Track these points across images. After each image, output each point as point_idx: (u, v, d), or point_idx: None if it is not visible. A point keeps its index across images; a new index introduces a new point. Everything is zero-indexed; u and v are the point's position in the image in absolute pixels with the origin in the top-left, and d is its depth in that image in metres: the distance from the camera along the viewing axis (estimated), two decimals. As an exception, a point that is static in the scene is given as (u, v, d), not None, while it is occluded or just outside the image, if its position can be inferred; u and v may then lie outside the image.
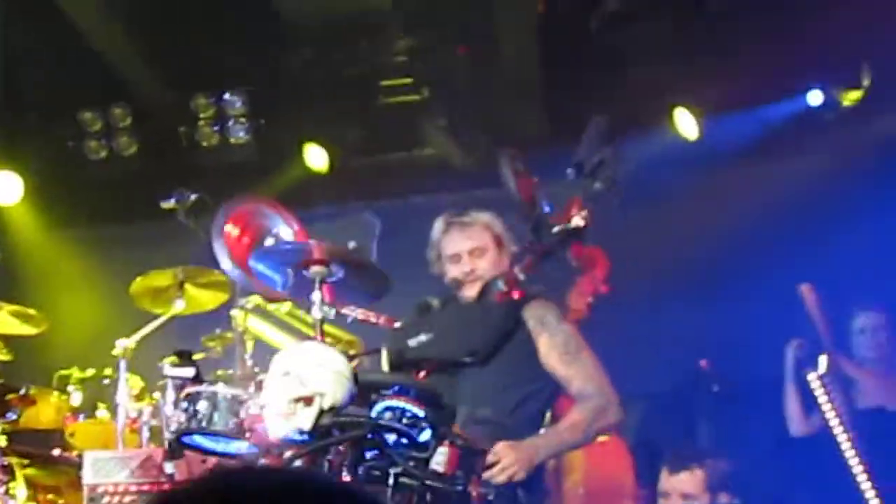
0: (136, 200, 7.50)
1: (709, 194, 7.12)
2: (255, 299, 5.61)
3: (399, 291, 4.26)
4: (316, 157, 7.71)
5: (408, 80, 7.69)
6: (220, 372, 6.26)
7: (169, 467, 4.55)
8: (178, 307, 6.26)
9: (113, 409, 6.05)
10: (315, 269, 4.10)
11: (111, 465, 5.24)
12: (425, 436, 3.60)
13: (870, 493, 5.16)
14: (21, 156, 7.82)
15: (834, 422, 5.30)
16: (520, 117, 7.66)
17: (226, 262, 5.02)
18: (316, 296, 4.08)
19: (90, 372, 6.32)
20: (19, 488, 5.77)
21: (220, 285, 6.18)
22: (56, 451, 6.26)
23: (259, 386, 3.97)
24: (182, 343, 6.33)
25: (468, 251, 4.42)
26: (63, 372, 6.41)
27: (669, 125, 7.25)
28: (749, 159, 7.20)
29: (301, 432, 3.60)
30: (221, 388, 4.01)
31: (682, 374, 6.60)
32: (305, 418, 3.59)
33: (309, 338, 4.41)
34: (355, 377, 3.68)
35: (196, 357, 6.28)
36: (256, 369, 5.45)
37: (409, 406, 3.61)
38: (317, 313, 4.10)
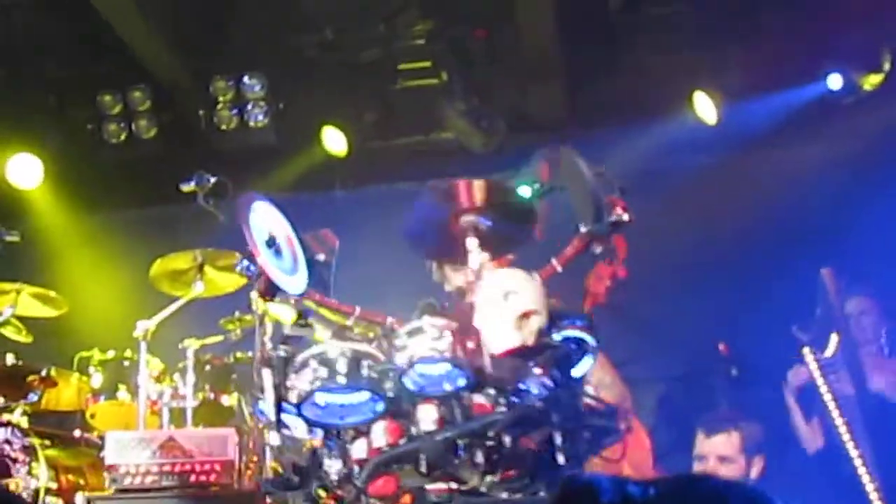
0: (155, 183, 7.53)
1: (728, 179, 7.10)
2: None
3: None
4: (334, 141, 7.72)
5: (426, 64, 7.68)
6: (239, 354, 6.30)
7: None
8: (198, 290, 6.29)
9: (133, 391, 6.08)
10: (467, 218, 4.10)
11: (133, 446, 5.28)
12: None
13: (866, 479, 5.17)
14: (41, 139, 7.85)
15: (832, 408, 5.32)
16: (539, 100, 7.65)
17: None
18: (471, 243, 4.09)
19: (111, 354, 6.34)
20: (41, 469, 5.81)
21: (239, 268, 6.20)
22: (77, 433, 6.31)
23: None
24: (200, 326, 6.40)
25: None
26: (84, 354, 6.44)
27: (689, 109, 7.23)
28: (768, 144, 7.17)
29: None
30: (364, 346, 4.00)
31: (702, 358, 6.59)
32: (530, 333, 3.90)
33: (331, 323, 4.41)
34: None
35: (215, 339, 6.39)
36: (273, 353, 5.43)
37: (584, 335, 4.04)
38: (474, 262, 4.09)
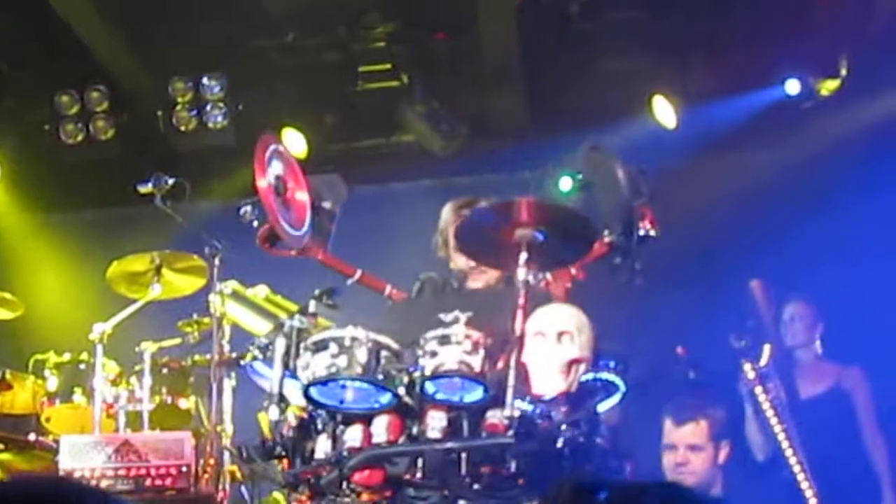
0: (113, 185, 7.47)
1: (686, 183, 7.13)
2: (233, 284, 5.58)
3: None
4: (294, 143, 7.69)
5: (387, 66, 7.67)
6: (196, 357, 6.26)
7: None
8: (155, 292, 6.25)
9: (89, 394, 6.02)
10: (521, 232, 3.99)
11: (88, 450, 5.23)
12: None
13: (804, 485, 5.23)
14: (-3, 139, 7.78)
15: (771, 416, 5.38)
16: (500, 104, 7.66)
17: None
18: (522, 258, 3.96)
19: (66, 356, 6.27)
20: (-5, 473, 5.75)
21: (197, 270, 6.17)
22: (32, 436, 6.24)
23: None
24: (158, 329, 6.35)
25: None
26: (39, 356, 6.36)
27: (649, 114, 7.27)
28: (726, 148, 7.22)
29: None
30: (383, 338, 3.90)
31: (660, 361, 6.62)
32: (575, 380, 3.93)
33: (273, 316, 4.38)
34: None
35: (172, 342, 6.34)
36: (233, 354, 5.42)
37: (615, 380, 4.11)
38: (523, 274, 3.93)
